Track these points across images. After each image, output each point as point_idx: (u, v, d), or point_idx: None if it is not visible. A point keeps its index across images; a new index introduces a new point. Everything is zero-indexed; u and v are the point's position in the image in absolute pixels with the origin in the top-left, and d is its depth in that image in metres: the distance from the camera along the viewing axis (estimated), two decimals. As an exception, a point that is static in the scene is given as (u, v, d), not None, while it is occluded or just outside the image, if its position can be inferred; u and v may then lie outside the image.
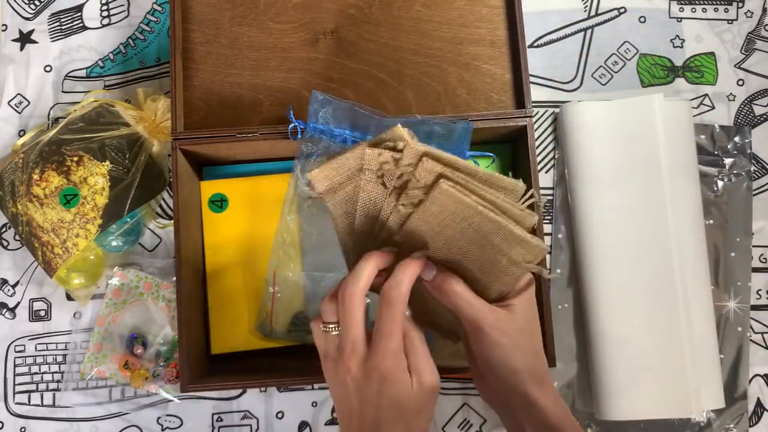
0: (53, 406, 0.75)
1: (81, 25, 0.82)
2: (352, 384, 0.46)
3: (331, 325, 0.48)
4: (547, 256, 0.73)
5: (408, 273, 0.47)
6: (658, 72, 0.82)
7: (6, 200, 0.71)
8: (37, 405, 0.75)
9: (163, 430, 0.75)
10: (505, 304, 0.49)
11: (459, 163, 0.49)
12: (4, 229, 0.79)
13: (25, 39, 0.82)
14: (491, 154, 0.66)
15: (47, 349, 0.76)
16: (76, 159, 0.70)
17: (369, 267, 0.47)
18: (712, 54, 0.82)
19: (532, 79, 0.80)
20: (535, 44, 0.82)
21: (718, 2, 0.83)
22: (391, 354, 0.45)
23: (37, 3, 0.83)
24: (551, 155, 0.80)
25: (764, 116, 0.81)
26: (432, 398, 0.48)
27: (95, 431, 0.75)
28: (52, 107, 0.80)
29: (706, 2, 0.83)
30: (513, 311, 0.49)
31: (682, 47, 0.82)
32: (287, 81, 0.70)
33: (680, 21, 0.83)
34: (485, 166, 0.68)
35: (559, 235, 0.77)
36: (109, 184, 0.70)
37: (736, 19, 0.83)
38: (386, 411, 0.46)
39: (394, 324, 0.46)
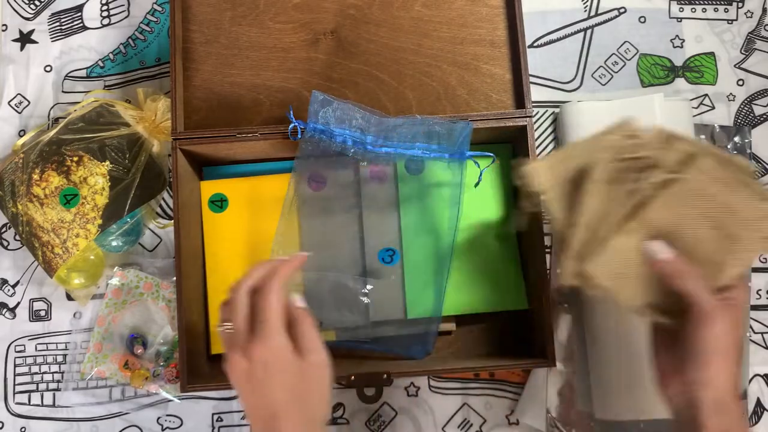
0: (53, 406, 0.75)
1: (81, 25, 0.82)
2: (243, 376, 0.48)
3: (226, 325, 0.51)
4: (547, 256, 0.73)
5: (283, 268, 0.51)
6: (658, 72, 0.82)
7: (6, 200, 0.71)
8: (37, 405, 0.75)
9: (163, 430, 0.75)
10: (729, 297, 0.50)
11: (700, 145, 0.53)
12: (4, 229, 0.79)
13: (25, 39, 0.82)
14: (491, 154, 0.66)
15: (47, 349, 0.76)
16: (76, 159, 0.70)
17: (256, 273, 0.51)
18: (712, 54, 0.82)
19: (532, 79, 0.80)
20: (535, 44, 0.82)
21: (718, 2, 0.83)
22: (269, 339, 0.48)
23: (37, 3, 0.83)
24: (551, 155, 0.80)
25: (764, 116, 0.81)
26: (321, 377, 0.49)
27: (95, 431, 0.75)
28: (52, 107, 0.81)
29: (706, 2, 0.83)
30: (732, 306, 0.50)
31: (682, 47, 0.82)
32: (287, 81, 0.70)
33: (680, 21, 0.83)
34: (485, 166, 0.68)
35: (559, 235, 0.77)
36: (109, 184, 0.70)
37: (736, 19, 0.83)
38: (278, 394, 0.47)
39: (268, 311, 0.48)
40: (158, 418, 0.75)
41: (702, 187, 0.51)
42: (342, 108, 0.64)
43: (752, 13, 0.83)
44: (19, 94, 0.81)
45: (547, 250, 0.72)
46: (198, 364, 0.67)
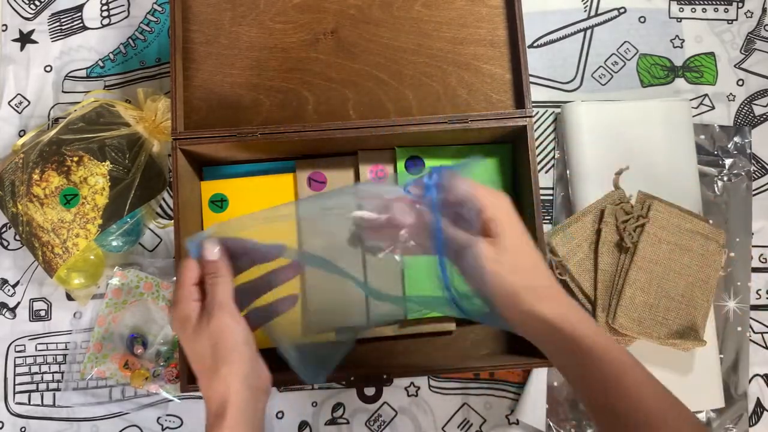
0: (53, 406, 0.75)
1: (81, 25, 0.82)
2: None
3: None
4: (549, 255, 0.73)
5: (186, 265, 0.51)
6: (657, 72, 0.82)
7: (6, 200, 0.71)
8: (37, 405, 0.75)
9: (163, 430, 0.75)
10: (487, 230, 0.48)
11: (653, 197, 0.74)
12: (4, 229, 0.79)
13: (25, 39, 0.82)
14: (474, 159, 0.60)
15: (47, 349, 0.76)
16: (76, 159, 0.70)
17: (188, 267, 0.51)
18: (712, 54, 0.82)
19: (532, 79, 0.80)
20: (535, 44, 0.82)
21: (718, 2, 0.83)
22: (175, 306, 0.49)
23: (37, 3, 0.83)
24: (551, 155, 0.80)
25: (764, 116, 0.81)
26: (221, 338, 0.48)
27: (95, 431, 0.75)
28: (52, 107, 0.80)
29: (706, 2, 0.83)
30: (495, 234, 0.47)
31: (681, 47, 0.82)
32: (287, 81, 0.70)
33: (680, 21, 0.83)
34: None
35: (559, 235, 0.78)
36: (109, 184, 0.70)
37: (736, 19, 0.83)
38: (192, 363, 0.49)
39: (181, 284, 0.50)
40: (158, 418, 0.75)
41: (664, 218, 0.71)
42: None
43: (752, 13, 0.83)
44: (19, 94, 0.81)
45: (547, 248, 0.72)
46: (198, 364, 0.67)
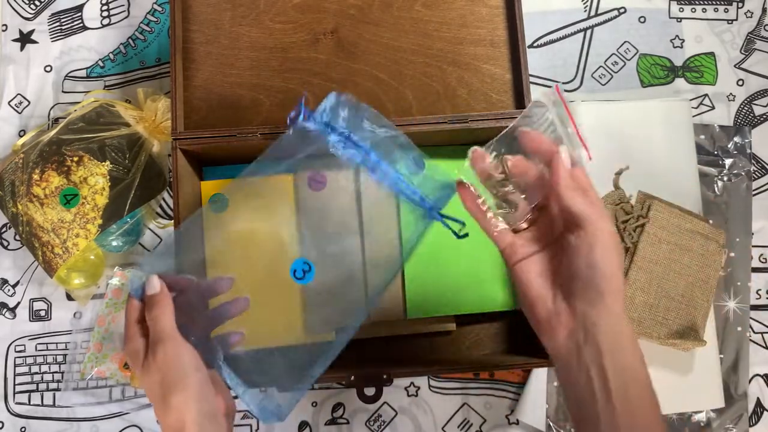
0: (53, 406, 0.75)
1: (81, 25, 0.82)
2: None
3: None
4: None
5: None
6: (657, 72, 0.82)
7: (6, 200, 0.71)
8: (37, 405, 0.75)
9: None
10: (609, 221, 0.47)
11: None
12: (4, 229, 0.79)
13: (25, 39, 0.82)
14: (461, 221, 0.55)
15: (47, 349, 0.76)
16: (76, 159, 0.70)
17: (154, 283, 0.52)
18: (712, 54, 0.82)
19: (532, 79, 0.80)
20: (535, 44, 0.82)
21: (718, 2, 0.83)
22: (128, 342, 0.51)
23: (37, 3, 0.83)
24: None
25: (764, 116, 0.81)
26: (173, 365, 0.49)
27: (95, 431, 0.75)
28: (52, 107, 0.80)
29: (706, 2, 0.83)
30: (606, 219, 0.46)
31: (681, 47, 0.82)
32: (287, 81, 0.70)
33: (680, 21, 0.83)
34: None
35: (559, 235, 0.78)
36: (109, 184, 0.70)
37: (736, 19, 0.83)
38: (147, 391, 0.50)
39: (127, 323, 0.52)
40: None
41: (664, 218, 0.70)
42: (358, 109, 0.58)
43: (752, 13, 0.83)
44: (19, 94, 0.81)
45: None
46: (198, 364, 0.67)
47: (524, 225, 0.50)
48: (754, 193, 0.79)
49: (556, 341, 0.46)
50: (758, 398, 0.76)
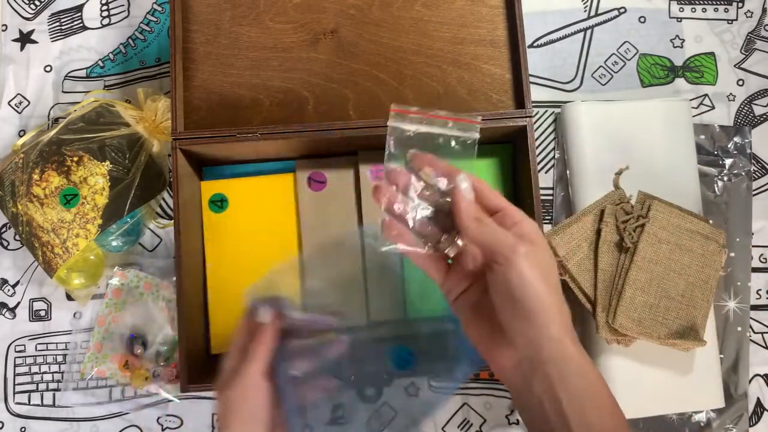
0: (53, 406, 0.75)
1: (81, 25, 0.82)
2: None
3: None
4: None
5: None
6: (658, 72, 0.82)
7: (6, 200, 0.71)
8: (37, 405, 0.75)
9: (163, 430, 0.75)
10: (526, 240, 0.44)
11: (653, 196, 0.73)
12: (4, 229, 0.79)
13: (25, 39, 0.82)
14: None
15: (47, 349, 0.76)
16: (76, 159, 0.70)
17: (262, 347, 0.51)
18: (712, 54, 0.82)
19: (532, 79, 0.80)
20: (535, 44, 0.82)
21: (718, 2, 0.83)
22: (226, 359, 0.52)
23: (37, 3, 0.83)
24: (551, 155, 0.80)
25: (764, 116, 0.81)
26: (238, 403, 0.49)
27: (95, 431, 0.75)
28: (52, 107, 0.80)
29: (706, 2, 0.83)
30: (536, 244, 0.44)
31: (682, 47, 0.82)
32: (287, 81, 0.70)
33: (680, 21, 0.83)
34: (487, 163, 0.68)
35: (559, 235, 0.78)
36: (109, 184, 0.70)
37: (736, 19, 0.83)
38: (216, 409, 0.52)
39: (232, 344, 0.53)
40: (158, 418, 0.75)
41: (664, 218, 0.70)
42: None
43: (752, 13, 0.83)
44: (19, 94, 0.81)
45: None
46: (198, 364, 0.67)
47: (451, 253, 0.47)
48: (754, 193, 0.79)
49: (505, 374, 0.45)
50: (758, 398, 0.76)
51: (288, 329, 0.53)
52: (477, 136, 0.49)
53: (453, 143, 0.49)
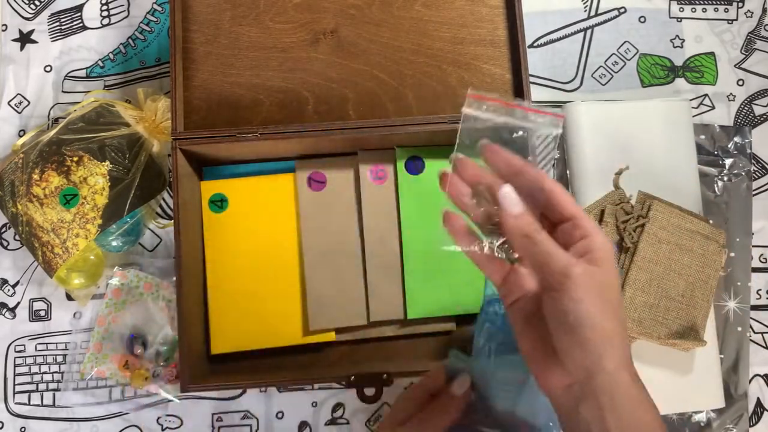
0: (53, 406, 0.75)
1: (81, 25, 0.82)
2: None
3: None
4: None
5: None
6: (658, 72, 0.82)
7: (6, 200, 0.71)
8: (37, 405, 0.75)
9: (163, 430, 0.75)
10: (590, 257, 0.41)
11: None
12: (4, 229, 0.79)
13: (25, 39, 0.82)
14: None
15: (47, 349, 0.76)
16: (76, 159, 0.70)
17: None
18: (712, 54, 0.82)
19: (532, 79, 0.80)
20: (535, 44, 0.82)
21: (718, 2, 0.83)
22: (401, 406, 0.50)
23: (37, 3, 0.83)
24: (551, 155, 0.80)
25: (764, 116, 0.81)
26: None
27: (95, 431, 0.75)
28: (52, 107, 0.80)
29: (706, 2, 0.83)
30: (601, 265, 0.40)
31: (682, 47, 0.82)
32: (287, 81, 0.70)
33: (680, 21, 0.83)
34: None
35: (559, 235, 0.78)
36: (109, 184, 0.70)
37: (736, 19, 0.83)
38: None
39: (414, 389, 0.51)
40: (158, 418, 0.75)
41: (664, 218, 0.70)
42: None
43: (752, 13, 0.83)
44: (19, 94, 0.81)
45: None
46: (198, 364, 0.67)
47: (516, 254, 0.44)
48: (754, 193, 0.79)
49: (553, 393, 0.43)
50: (758, 398, 0.76)
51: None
52: (560, 131, 0.44)
53: (532, 138, 0.45)
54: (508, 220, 0.42)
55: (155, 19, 0.82)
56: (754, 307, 0.78)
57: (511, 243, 0.42)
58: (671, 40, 0.82)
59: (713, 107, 0.81)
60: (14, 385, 0.76)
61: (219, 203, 0.71)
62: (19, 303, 0.77)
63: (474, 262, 0.45)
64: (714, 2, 0.83)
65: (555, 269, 0.40)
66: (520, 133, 0.45)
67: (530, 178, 0.42)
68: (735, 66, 0.82)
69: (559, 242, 0.41)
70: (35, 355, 0.76)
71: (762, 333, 0.78)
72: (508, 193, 0.42)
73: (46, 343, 0.76)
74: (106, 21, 0.83)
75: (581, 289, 0.39)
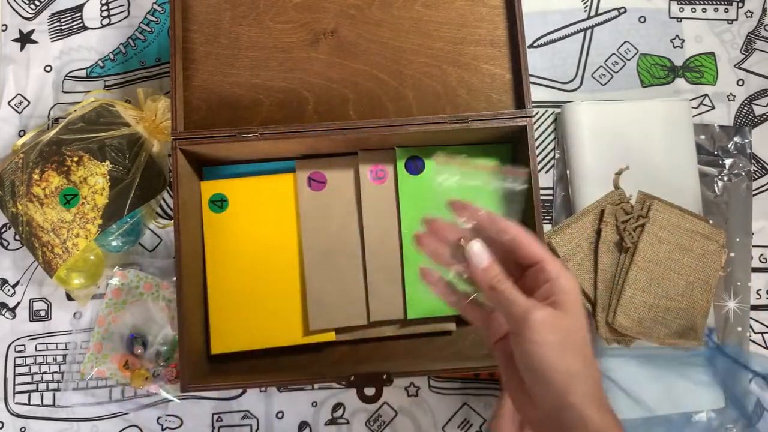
0: (53, 406, 0.75)
1: (81, 25, 0.82)
2: None
3: None
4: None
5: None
6: (658, 72, 0.82)
7: (6, 200, 0.71)
8: (37, 405, 0.75)
9: (163, 430, 0.75)
10: (552, 301, 0.43)
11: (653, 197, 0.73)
12: (4, 229, 0.79)
13: (25, 39, 0.82)
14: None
15: (47, 349, 0.76)
16: (76, 159, 0.70)
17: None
18: (712, 54, 0.82)
19: (532, 79, 0.80)
20: (535, 44, 0.82)
21: (718, 2, 0.83)
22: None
23: (37, 3, 0.83)
24: (551, 155, 0.80)
25: (764, 116, 0.81)
26: None
27: (95, 431, 0.75)
28: (52, 107, 0.80)
29: (706, 2, 0.83)
30: (563, 308, 0.43)
31: (682, 47, 0.82)
32: (287, 81, 0.70)
33: (680, 21, 0.83)
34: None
35: (559, 235, 0.78)
36: (109, 184, 0.70)
37: (736, 19, 0.83)
38: None
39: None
40: (158, 418, 0.75)
41: (664, 218, 0.70)
42: None
43: (752, 13, 0.83)
44: (19, 94, 0.81)
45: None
46: (198, 364, 0.67)
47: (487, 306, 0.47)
48: (754, 193, 0.79)
49: (532, 425, 0.45)
50: (758, 398, 0.76)
51: None
52: (525, 186, 0.49)
53: (498, 192, 0.50)
54: (475, 273, 0.46)
55: (155, 19, 0.82)
56: (754, 307, 0.78)
57: (483, 293, 0.46)
58: (671, 40, 0.82)
59: (713, 107, 0.81)
60: (14, 385, 0.76)
61: (219, 203, 0.71)
62: (19, 303, 0.77)
63: (456, 309, 0.49)
64: (714, 2, 0.83)
65: (515, 315, 0.43)
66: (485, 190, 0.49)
67: (497, 228, 0.46)
68: (735, 66, 0.82)
69: (528, 286, 0.45)
70: (35, 355, 0.76)
71: (762, 333, 0.78)
72: (474, 249, 0.46)
73: (46, 343, 0.76)
74: (106, 21, 0.83)
75: (540, 333, 0.42)
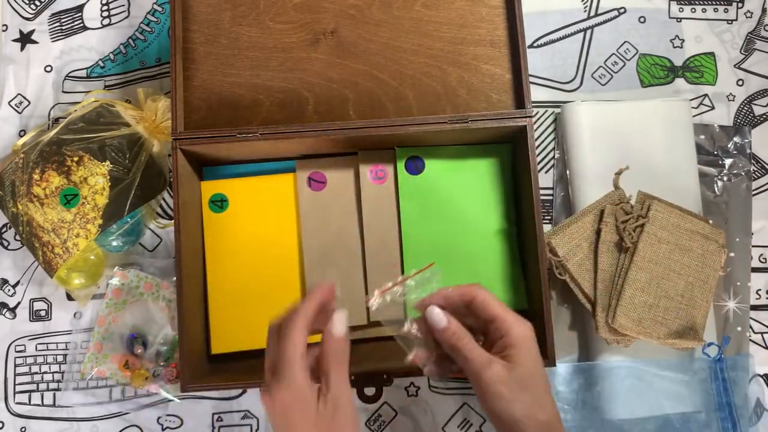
0: (53, 406, 0.75)
1: (81, 25, 0.83)
2: (270, 417, 0.49)
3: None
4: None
5: (305, 304, 0.51)
6: (657, 72, 0.82)
7: (6, 200, 0.71)
8: (38, 405, 0.75)
9: (163, 430, 0.75)
10: (505, 354, 0.50)
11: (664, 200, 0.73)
12: (4, 229, 0.79)
13: (25, 39, 0.82)
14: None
15: (47, 349, 0.76)
16: (76, 159, 0.70)
17: (311, 305, 0.51)
18: (712, 54, 0.82)
19: (532, 79, 0.80)
20: (535, 44, 0.82)
21: (718, 2, 0.83)
22: (286, 383, 0.48)
23: (37, 3, 0.83)
24: (551, 155, 0.80)
25: (764, 116, 0.81)
26: (343, 418, 0.48)
27: (95, 431, 0.75)
28: (52, 107, 0.81)
29: (706, 2, 0.83)
30: (512, 361, 0.50)
31: (681, 47, 0.82)
32: (287, 81, 0.70)
33: (680, 21, 0.83)
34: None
35: (559, 235, 0.78)
36: (109, 184, 0.70)
37: (736, 19, 0.83)
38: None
39: (285, 353, 0.48)
40: (158, 418, 0.75)
41: (663, 218, 0.70)
42: None
43: (752, 13, 0.83)
44: (19, 94, 0.81)
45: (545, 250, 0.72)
46: (198, 364, 0.67)
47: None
48: (754, 193, 0.79)
49: None
50: (758, 398, 0.76)
51: None
52: (439, 285, 0.55)
53: (419, 288, 0.56)
54: (436, 334, 0.53)
55: (155, 20, 0.82)
56: (754, 307, 0.78)
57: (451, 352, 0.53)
58: (671, 40, 0.82)
59: (713, 107, 0.81)
60: (14, 384, 0.76)
61: (219, 203, 0.71)
62: (19, 303, 0.77)
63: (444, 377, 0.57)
64: (714, 2, 0.83)
65: (472, 371, 0.50)
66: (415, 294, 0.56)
67: (460, 293, 0.53)
68: (735, 66, 0.82)
69: (492, 340, 0.52)
70: (35, 355, 0.76)
71: (762, 333, 0.78)
72: (433, 313, 0.52)
73: (47, 343, 0.76)
74: (106, 21, 0.83)
75: (492, 386, 0.49)
